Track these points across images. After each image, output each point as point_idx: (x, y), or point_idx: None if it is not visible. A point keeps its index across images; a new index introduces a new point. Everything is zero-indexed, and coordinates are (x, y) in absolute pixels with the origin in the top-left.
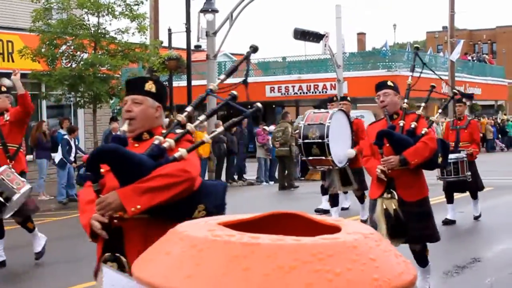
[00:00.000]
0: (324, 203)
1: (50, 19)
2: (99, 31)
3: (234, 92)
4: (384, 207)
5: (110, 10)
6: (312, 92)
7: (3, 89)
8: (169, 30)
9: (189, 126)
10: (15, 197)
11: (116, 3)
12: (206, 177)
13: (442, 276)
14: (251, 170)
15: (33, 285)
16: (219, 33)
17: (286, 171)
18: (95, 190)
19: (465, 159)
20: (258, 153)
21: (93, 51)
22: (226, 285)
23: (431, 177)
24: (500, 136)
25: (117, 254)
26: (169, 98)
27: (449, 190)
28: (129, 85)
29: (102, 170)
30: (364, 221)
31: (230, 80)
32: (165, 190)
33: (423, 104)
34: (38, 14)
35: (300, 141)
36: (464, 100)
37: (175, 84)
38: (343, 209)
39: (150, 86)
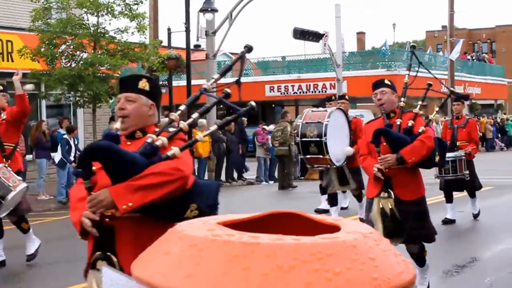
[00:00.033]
0: (324, 203)
1: (50, 19)
2: (99, 30)
3: (228, 90)
4: (381, 206)
5: (109, 9)
6: (312, 92)
7: None
8: (169, 29)
9: (182, 124)
10: (10, 195)
11: (115, 3)
12: (206, 177)
13: (442, 276)
14: (251, 169)
15: (33, 285)
16: (218, 32)
17: (285, 171)
18: (86, 187)
19: (463, 157)
20: (258, 152)
21: (92, 51)
22: (226, 284)
23: (429, 176)
24: (499, 135)
25: (108, 253)
26: (169, 97)
27: (448, 189)
28: (123, 83)
29: (94, 168)
30: (362, 220)
31: (230, 80)
32: (158, 189)
33: (419, 102)
34: (38, 13)
35: (298, 139)
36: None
37: (174, 83)
38: (342, 208)
39: (143, 84)
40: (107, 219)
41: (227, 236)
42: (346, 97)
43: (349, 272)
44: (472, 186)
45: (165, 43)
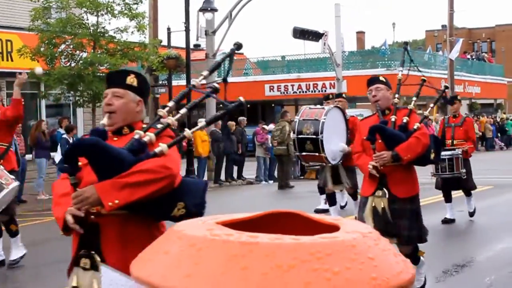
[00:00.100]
0: (322, 203)
1: (49, 18)
2: (98, 30)
3: (216, 85)
4: (373, 205)
5: (109, 9)
6: (311, 91)
7: None
8: (168, 29)
9: (170, 120)
10: (2, 194)
11: (115, 2)
12: (206, 177)
13: (441, 275)
14: (251, 169)
15: (33, 284)
16: (218, 32)
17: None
18: (72, 183)
19: (460, 156)
20: (257, 152)
21: (92, 50)
22: (225, 284)
23: (426, 176)
24: (499, 134)
25: (92, 252)
26: (168, 97)
27: (446, 189)
28: (110, 78)
29: (80, 164)
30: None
31: (233, 79)
32: (145, 186)
33: (414, 99)
34: (37, 13)
35: (294, 136)
36: (459, 97)
37: (174, 83)
38: (341, 207)
39: (131, 79)
40: (92, 216)
41: (226, 236)
42: (344, 95)
43: (348, 271)
44: (468, 185)
45: (164, 43)
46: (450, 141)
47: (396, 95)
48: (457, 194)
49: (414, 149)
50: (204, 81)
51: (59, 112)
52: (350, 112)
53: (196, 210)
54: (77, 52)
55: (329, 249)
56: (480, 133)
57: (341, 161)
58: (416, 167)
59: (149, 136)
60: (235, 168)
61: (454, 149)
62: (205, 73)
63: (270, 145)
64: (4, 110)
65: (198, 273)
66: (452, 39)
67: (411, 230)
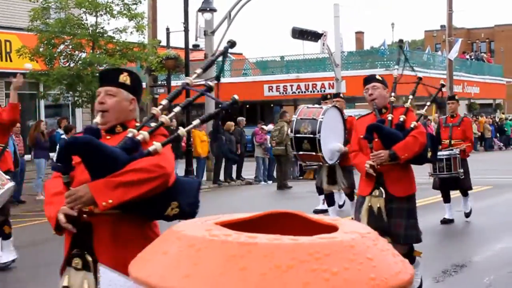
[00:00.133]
0: (321, 203)
1: (48, 19)
2: (97, 30)
3: (210, 83)
4: (370, 204)
5: (108, 9)
6: (310, 91)
7: None
8: (167, 29)
9: (163, 118)
10: None
11: (114, 3)
12: (205, 177)
13: (441, 275)
14: (250, 169)
15: (33, 284)
16: (217, 32)
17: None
18: (65, 182)
19: (458, 155)
20: (256, 152)
21: (91, 51)
22: (224, 284)
23: (425, 176)
24: (498, 135)
25: (84, 252)
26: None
27: (444, 189)
28: (103, 76)
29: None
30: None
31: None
32: (139, 186)
33: (410, 97)
34: (36, 13)
35: (292, 134)
36: (456, 97)
37: (173, 83)
38: (339, 206)
39: (124, 78)
40: (84, 216)
41: (224, 236)
42: (342, 95)
43: (347, 272)
44: (465, 184)
45: (163, 43)
46: (448, 141)
47: (393, 94)
48: (456, 194)
49: (411, 148)
50: (200, 80)
51: (58, 113)
52: (349, 112)
53: (189, 209)
54: (76, 52)
55: (327, 249)
56: (479, 133)
57: (338, 161)
58: (414, 167)
59: (143, 134)
60: (234, 168)
61: (452, 149)
62: (198, 71)
63: (269, 145)
64: (0, 112)
65: (197, 274)
66: (451, 39)
67: (409, 229)
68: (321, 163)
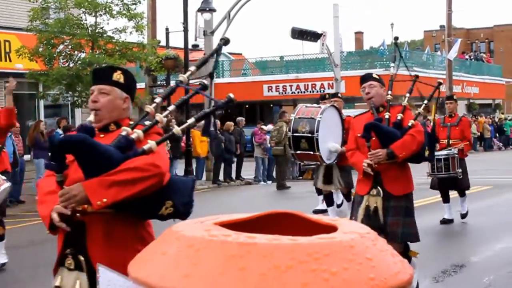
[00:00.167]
0: (321, 203)
1: (48, 19)
2: (97, 30)
3: (204, 81)
4: (367, 203)
5: (107, 9)
6: (310, 91)
7: None
8: (167, 29)
9: (158, 116)
10: None
11: (113, 3)
12: (204, 177)
13: (440, 275)
14: (249, 169)
15: (33, 284)
16: (216, 32)
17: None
18: (58, 181)
19: (456, 155)
20: (256, 152)
21: (90, 51)
22: (223, 284)
23: (424, 176)
24: (497, 135)
25: (76, 252)
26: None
27: (443, 189)
28: (96, 74)
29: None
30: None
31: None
32: (133, 184)
33: (407, 95)
34: (36, 13)
35: (290, 134)
36: (455, 97)
37: (172, 83)
38: (337, 206)
39: (118, 76)
40: (77, 214)
41: (223, 237)
42: (340, 95)
43: (346, 272)
44: (463, 184)
45: (163, 43)
46: (446, 140)
47: (389, 92)
48: (455, 194)
49: (409, 147)
50: (196, 80)
51: (57, 113)
52: (348, 112)
53: (184, 209)
54: (76, 52)
55: (327, 249)
56: (479, 134)
57: (335, 161)
58: (413, 167)
59: (137, 133)
60: (234, 169)
61: (450, 149)
62: (192, 68)
63: (269, 145)
64: None
65: (196, 274)
66: (451, 39)
67: (406, 228)
68: (318, 163)
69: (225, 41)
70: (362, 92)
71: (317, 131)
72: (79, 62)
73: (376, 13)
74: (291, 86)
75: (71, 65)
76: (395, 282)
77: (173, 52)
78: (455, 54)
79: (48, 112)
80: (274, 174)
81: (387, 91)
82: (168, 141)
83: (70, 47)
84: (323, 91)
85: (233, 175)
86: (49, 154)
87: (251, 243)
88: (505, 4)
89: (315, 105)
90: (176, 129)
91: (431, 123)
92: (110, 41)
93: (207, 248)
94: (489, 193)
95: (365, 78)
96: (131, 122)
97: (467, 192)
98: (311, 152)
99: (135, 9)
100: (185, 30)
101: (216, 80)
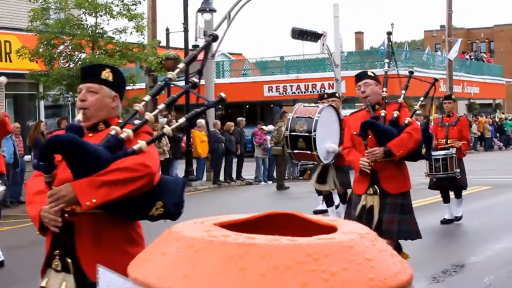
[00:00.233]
0: (321, 204)
1: (48, 19)
2: (97, 31)
3: (194, 80)
4: (364, 203)
5: (107, 10)
6: (310, 92)
7: None
8: (167, 29)
9: (148, 115)
10: None
11: (113, 3)
12: (205, 177)
13: (441, 275)
14: (250, 169)
15: (33, 284)
16: (216, 32)
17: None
18: (47, 181)
19: (454, 155)
20: (256, 152)
21: (91, 51)
22: (222, 285)
23: (423, 176)
24: (498, 134)
25: (63, 253)
26: (167, 97)
27: (442, 189)
28: (84, 72)
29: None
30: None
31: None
32: (123, 185)
33: (403, 92)
34: (36, 14)
35: (287, 133)
36: (453, 97)
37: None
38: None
39: (107, 74)
40: (66, 215)
41: (223, 237)
42: (337, 94)
43: (346, 272)
44: (460, 183)
45: (163, 43)
46: (444, 140)
47: (384, 89)
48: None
49: (406, 145)
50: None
51: (57, 113)
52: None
53: (174, 209)
54: (76, 53)
55: (326, 250)
56: (479, 133)
57: (333, 161)
58: (412, 167)
59: (127, 132)
60: (234, 169)
61: (448, 149)
62: (181, 65)
63: (269, 145)
64: None
65: (195, 274)
66: (451, 39)
67: (402, 225)
68: (315, 163)
69: (214, 38)
70: (358, 90)
71: (314, 130)
72: (80, 62)
73: (376, 13)
74: (291, 86)
75: (71, 65)
76: (395, 282)
77: (173, 53)
78: (455, 54)
79: (48, 113)
80: (274, 174)
81: (382, 88)
82: (168, 141)
83: (70, 47)
84: (323, 91)
85: (234, 176)
86: (37, 154)
87: (251, 244)
88: (505, 4)
89: (313, 104)
90: (167, 129)
91: (431, 123)
92: (111, 42)
93: (207, 249)
94: (489, 193)
95: (360, 76)
96: (120, 121)
97: (466, 192)
98: (308, 152)
99: (135, 9)
100: (185, 31)
101: (216, 81)
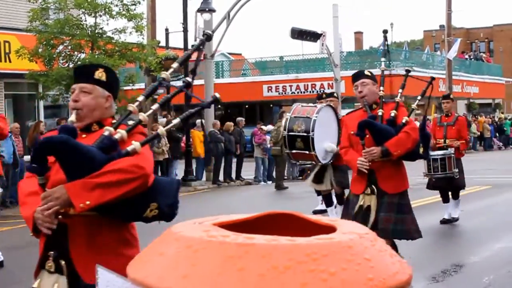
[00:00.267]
0: (320, 204)
1: (47, 19)
2: (96, 31)
3: (188, 79)
4: (362, 203)
5: (107, 10)
6: (310, 92)
7: None
8: (166, 29)
9: (141, 116)
10: None
11: (113, 3)
12: (204, 177)
13: (440, 275)
14: (249, 169)
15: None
16: (216, 32)
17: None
18: (40, 183)
19: (453, 155)
20: (256, 152)
21: (90, 51)
22: (222, 285)
23: (421, 176)
24: (497, 134)
25: (57, 255)
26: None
27: (441, 189)
28: (77, 72)
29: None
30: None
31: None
32: (117, 187)
33: (400, 91)
34: (35, 14)
35: (285, 133)
36: (451, 96)
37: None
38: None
39: (100, 74)
40: (59, 217)
41: (222, 237)
42: (335, 94)
43: (345, 272)
44: (459, 183)
45: (163, 44)
46: (443, 140)
47: (381, 88)
48: None
49: (404, 144)
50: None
51: (57, 113)
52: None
53: (169, 210)
54: (75, 53)
55: (325, 250)
56: (479, 133)
57: (331, 161)
58: (410, 167)
59: (120, 133)
60: (234, 169)
61: (446, 149)
62: (175, 65)
63: (268, 145)
64: None
65: (194, 274)
66: (450, 39)
67: (398, 224)
68: (314, 162)
69: (207, 37)
70: (355, 90)
71: (312, 130)
72: (79, 62)
73: (376, 13)
74: (290, 86)
75: (70, 65)
76: (394, 282)
77: (172, 53)
78: (455, 53)
79: (47, 113)
80: (274, 174)
81: (379, 87)
82: (167, 141)
83: (69, 47)
84: (323, 91)
85: (233, 176)
86: (30, 156)
87: (250, 244)
88: (504, 4)
89: (311, 104)
90: (161, 130)
91: (431, 123)
92: (110, 42)
93: (206, 249)
94: (489, 192)
95: (357, 76)
96: (114, 121)
97: (465, 192)
98: (307, 152)
99: (134, 9)
100: (185, 31)
101: (216, 81)
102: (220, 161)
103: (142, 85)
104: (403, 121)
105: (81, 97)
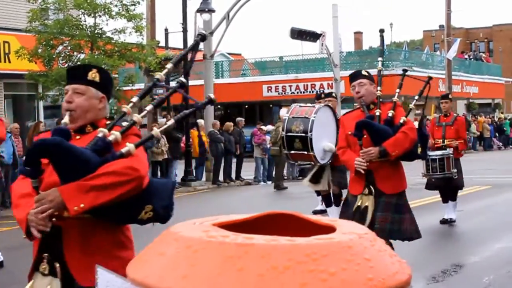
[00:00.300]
0: (320, 204)
1: (47, 20)
2: (96, 31)
3: (182, 79)
4: (359, 203)
5: (106, 10)
6: (309, 92)
7: None
8: (166, 30)
9: (136, 117)
10: None
11: (112, 4)
12: (204, 177)
13: (440, 275)
14: (249, 170)
15: None
16: (215, 33)
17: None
18: (34, 186)
19: (451, 155)
20: (255, 153)
21: (89, 52)
22: (221, 285)
23: (419, 176)
24: (497, 134)
25: (51, 257)
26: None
27: (440, 189)
28: (71, 73)
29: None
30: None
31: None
32: (111, 189)
33: (397, 91)
34: (35, 14)
35: (283, 133)
36: (450, 96)
37: (172, 84)
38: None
39: (93, 75)
40: (53, 219)
41: (222, 237)
42: (334, 94)
43: (344, 272)
44: (458, 183)
45: (162, 44)
46: (441, 140)
47: (379, 88)
48: None
49: (401, 145)
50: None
51: (56, 114)
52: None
53: (164, 212)
54: (75, 53)
55: (325, 250)
56: (478, 133)
57: (330, 161)
58: (409, 167)
59: (115, 135)
60: (234, 169)
61: (445, 149)
62: (169, 65)
63: (268, 146)
64: None
65: (194, 274)
66: (450, 39)
67: (395, 224)
68: (312, 163)
69: (202, 37)
70: (352, 90)
71: (311, 131)
72: (79, 63)
73: (376, 13)
74: (290, 86)
75: (70, 66)
76: (393, 282)
77: (172, 53)
78: (455, 53)
79: (47, 113)
80: (274, 174)
81: (376, 87)
82: (167, 142)
83: (69, 48)
84: (322, 91)
85: (233, 176)
86: (23, 158)
87: (249, 244)
88: (504, 4)
89: (309, 104)
90: (155, 131)
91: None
92: (109, 42)
93: (205, 249)
94: (488, 192)
95: (355, 76)
96: (108, 123)
97: (465, 191)
98: (305, 152)
99: (134, 10)
100: (184, 31)
101: (216, 81)
102: (219, 161)
103: (141, 86)
104: (401, 121)
105: (74, 98)
